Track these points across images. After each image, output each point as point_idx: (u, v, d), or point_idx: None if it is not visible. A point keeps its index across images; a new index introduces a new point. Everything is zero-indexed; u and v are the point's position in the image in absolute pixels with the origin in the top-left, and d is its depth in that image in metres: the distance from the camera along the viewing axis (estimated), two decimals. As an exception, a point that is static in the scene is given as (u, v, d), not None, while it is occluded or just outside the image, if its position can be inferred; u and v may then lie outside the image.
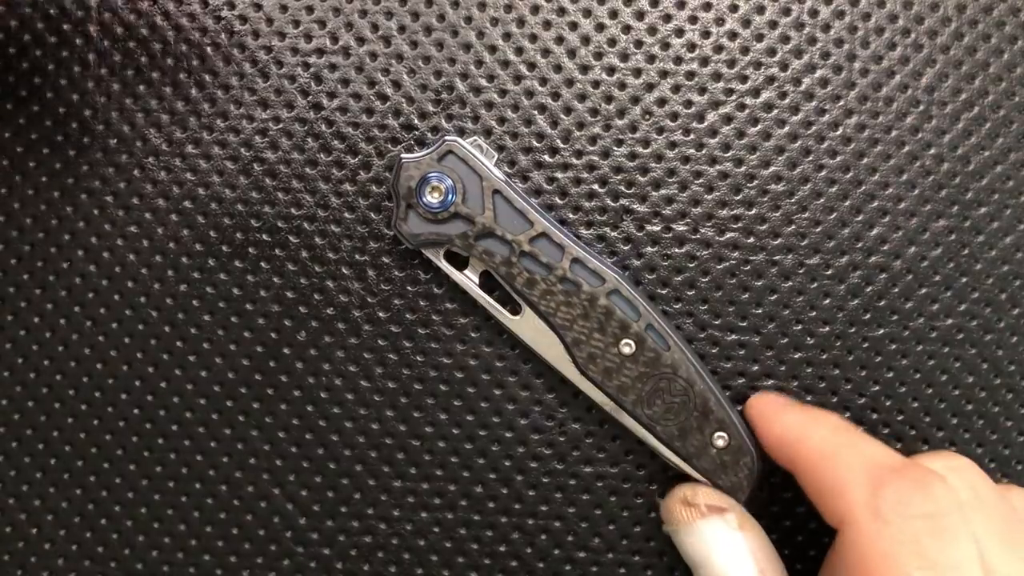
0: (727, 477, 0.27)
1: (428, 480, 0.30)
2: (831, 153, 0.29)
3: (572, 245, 0.27)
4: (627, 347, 0.27)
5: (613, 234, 0.29)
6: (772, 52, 0.29)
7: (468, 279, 0.28)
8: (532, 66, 0.29)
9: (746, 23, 0.29)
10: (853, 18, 0.29)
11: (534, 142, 0.29)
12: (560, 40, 0.29)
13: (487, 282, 0.28)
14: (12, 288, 0.29)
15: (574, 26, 0.29)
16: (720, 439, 0.27)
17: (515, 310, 0.28)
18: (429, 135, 0.29)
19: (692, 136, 0.29)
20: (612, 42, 0.29)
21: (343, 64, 0.29)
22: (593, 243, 0.29)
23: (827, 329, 0.30)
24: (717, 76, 0.29)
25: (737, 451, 0.27)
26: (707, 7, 0.29)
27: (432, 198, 0.27)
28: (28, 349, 0.29)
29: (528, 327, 0.28)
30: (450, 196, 0.27)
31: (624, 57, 0.29)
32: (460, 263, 0.28)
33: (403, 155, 0.28)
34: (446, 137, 0.28)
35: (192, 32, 0.29)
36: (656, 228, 0.29)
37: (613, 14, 0.29)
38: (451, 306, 0.29)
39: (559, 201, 0.29)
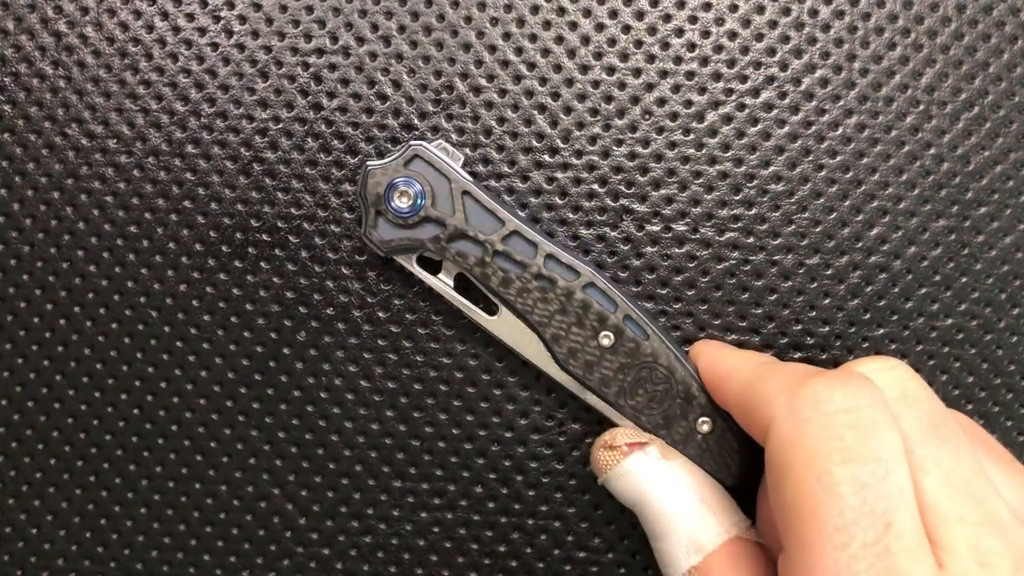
0: (714, 462, 0.27)
1: (428, 480, 0.30)
2: (831, 153, 0.29)
3: (545, 241, 0.27)
4: (606, 339, 0.27)
5: (613, 234, 0.29)
6: (772, 52, 0.29)
7: (442, 283, 0.28)
8: (532, 66, 0.29)
9: (746, 23, 0.29)
10: (853, 18, 0.29)
11: (534, 142, 0.29)
12: (560, 40, 0.29)
13: (461, 285, 0.28)
14: (12, 288, 0.29)
15: (574, 26, 0.29)
16: (705, 424, 0.27)
17: (491, 310, 0.28)
18: (429, 134, 0.29)
19: (692, 136, 0.29)
20: (612, 42, 0.29)
21: (343, 64, 0.29)
22: (593, 243, 0.29)
23: (827, 329, 0.30)
24: (717, 76, 0.29)
25: (722, 435, 0.27)
26: (707, 7, 0.29)
27: (401, 203, 0.27)
28: (28, 349, 0.30)
29: (505, 326, 0.28)
30: (419, 200, 0.27)
31: (624, 57, 0.29)
32: (433, 267, 0.28)
33: (369, 162, 0.28)
34: (411, 142, 0.28)
35: (190, 32, 0.29)
36: (656, 228, 0.29)
37: (613, 14, 0.29)
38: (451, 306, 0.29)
39: (559, 201, 0.29)
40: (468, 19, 0.29)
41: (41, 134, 0.29)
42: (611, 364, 0.28)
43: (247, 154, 0.29)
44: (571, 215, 0.29)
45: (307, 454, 0.30)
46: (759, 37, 0.29)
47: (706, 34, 0.29)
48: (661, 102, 0.29)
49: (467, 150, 0.29)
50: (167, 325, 0.29)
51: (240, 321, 0.29)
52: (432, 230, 0.27)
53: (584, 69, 0.29)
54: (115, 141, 0.29)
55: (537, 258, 0.27)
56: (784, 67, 0.29)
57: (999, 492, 0.21)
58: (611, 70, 0.29)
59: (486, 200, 0.27)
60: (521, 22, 0.29)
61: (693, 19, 0.29)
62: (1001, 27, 0.30)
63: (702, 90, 0.29)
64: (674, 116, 0.29)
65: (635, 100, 0.29)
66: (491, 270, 0.27)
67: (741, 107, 0.29)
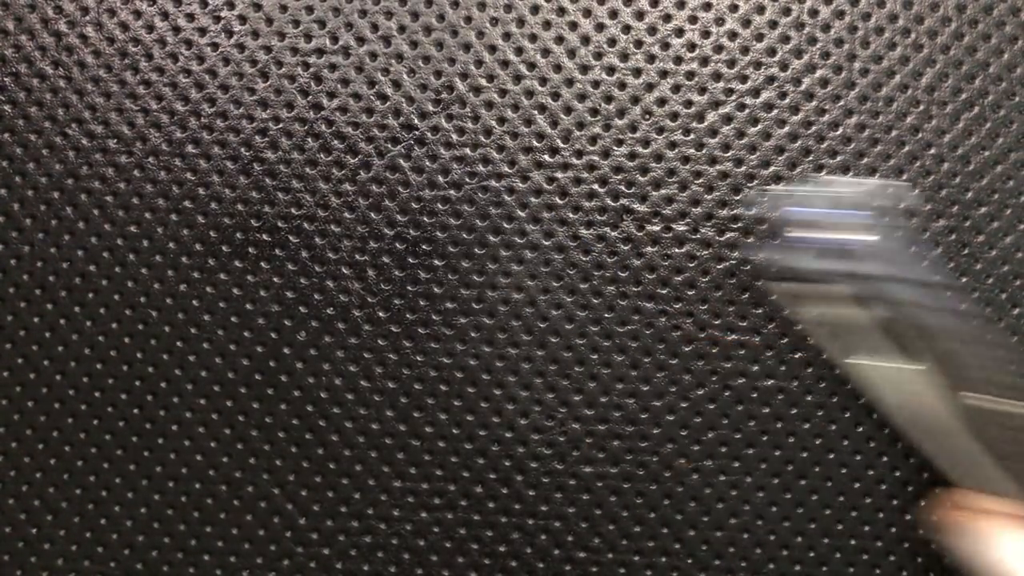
0: None
1: (428, 480, 0.30)
2: (831, 153, 0.29)
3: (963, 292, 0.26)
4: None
5: (613, 234, 0.29)
6: (772, 52, 0.29)
7: (858, 322, 0.25)
8: (532, 66, 0.29)
9: (746, 23, 0.29)
10: (853, 18, 0.29)
11: (534, 142, 0.29)
12: (560, 40, 0.29)
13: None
14: (12, 288, 0.29)
15: (574, 26, 0.29)
16: None
17: (910, 361, 0.25)
18: (428, 135, 0.29)
19: (692, 136, 0.29)
20: (612, 42, 0.29)
21: (343, 64, 0.29)
22: (593, 243, 0.29)
23: (827, 329, 0.30)
24: (717, 76, 0.29)
25: None
26: (707, 7, 0.29)
27: (818, 234, 0.25)
28: (28, 349, 0.29)
29: (924, 380, 0.25)
30: (837, 234, 0.25)
31: (624, 57, 0.29)
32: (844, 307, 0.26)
33: (798, 188, 0.26)
34: (884, 182, 0.26)
35: (190, 32, 0.29)
36: (656, 228, 0.29)
37: (613, 14, 0.29)
38: (451, 306, 0.29)
39: (559, 201, 0.29)
40: (468, 19, 0.29)
41: (41, 134, 0.29)
42: (1015, 423, 0.24)
43: (247, 154, 0.29)
44: (571, 215, 0.29)
45: (307, 454, 0.30)
46: (759, 37, 0.29)
47: (706, 34, 0.29)
48: (661, 102, 0.29)
49: (467, 150, 0.29)
50: (167, 325, 0.29)
51: (240, 321, 0.29)
52: (852, 266, 0.25)
53: (584, 69, 0.29)
54: (115, 141, 0.29)
55: (959, 305, 0.25)
56: (784, 67, 0.29)
57: None
58: (611, 70, 0.29)
59: (912, 244, 0.25)
60: (521, 22, 0.29)
61: (693, 19, 0.29)
62: (1001, 27, 0.30)
63: (702, 90, 0.29)
64: (674, 116, 0.29)
65: (635, 100, 0.29)
66: (912, 317, 0.24)
67: (741, 107, 0.29)
